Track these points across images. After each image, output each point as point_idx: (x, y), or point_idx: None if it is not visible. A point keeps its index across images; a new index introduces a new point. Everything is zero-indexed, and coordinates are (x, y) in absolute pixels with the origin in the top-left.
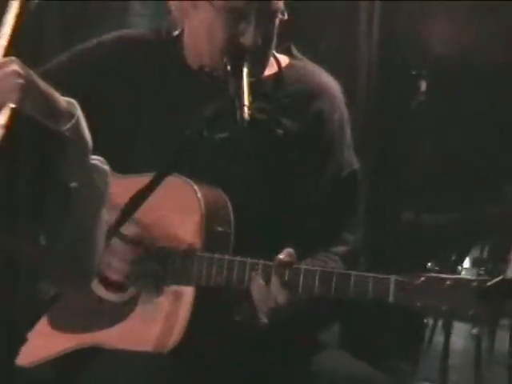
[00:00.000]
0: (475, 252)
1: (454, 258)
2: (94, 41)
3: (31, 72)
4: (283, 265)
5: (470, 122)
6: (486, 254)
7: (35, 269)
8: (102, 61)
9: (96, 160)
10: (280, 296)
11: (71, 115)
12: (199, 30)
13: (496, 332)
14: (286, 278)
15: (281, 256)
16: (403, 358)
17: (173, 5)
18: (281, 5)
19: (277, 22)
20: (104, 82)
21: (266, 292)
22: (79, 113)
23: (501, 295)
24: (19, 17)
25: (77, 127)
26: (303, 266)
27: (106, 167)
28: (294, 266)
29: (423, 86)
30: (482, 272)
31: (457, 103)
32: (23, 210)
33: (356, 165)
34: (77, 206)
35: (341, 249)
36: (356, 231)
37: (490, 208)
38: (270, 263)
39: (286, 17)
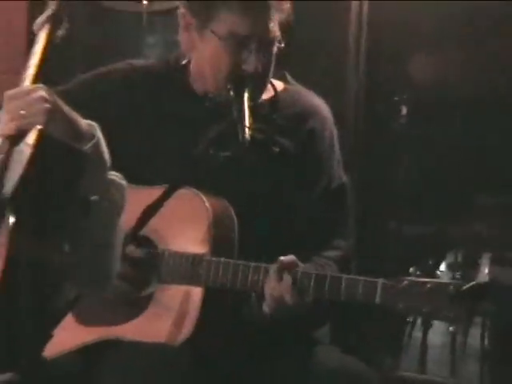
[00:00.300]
0: (451, 258)
1: (432, 264)
2: (109, 67)
3: (57, 98)
4: (287, 267)
5: (445, 142)
6: (460, 260)
7: (61, 272)
8: (115, 86)
9: (114, 175)
10: (288, 296)
11: (92, 136)
12: (205, 60)
13: (469, 329)
14: (299, 279)
15: (283, 258)
16: (386, 352)
17: (182, 38)
18: (278, 34)
19: (275, 49)
20: (117, 106)
21: (278, 289)
22: (99, 134)
23: (474, 298)
24: (46, 48)
25: (97, 147)
26: (300, 270)
27: (123, 182)
28: (297, 269)
29: (404, 110)
30: (458, 276)
31: (432, 126)
32: (50, 221)
33: (344, 178)
34: (96, 216)
35: (334, 253)
36: (347, 238)
37: (462, 219)
38: (270, 266)
39: (282, 44)
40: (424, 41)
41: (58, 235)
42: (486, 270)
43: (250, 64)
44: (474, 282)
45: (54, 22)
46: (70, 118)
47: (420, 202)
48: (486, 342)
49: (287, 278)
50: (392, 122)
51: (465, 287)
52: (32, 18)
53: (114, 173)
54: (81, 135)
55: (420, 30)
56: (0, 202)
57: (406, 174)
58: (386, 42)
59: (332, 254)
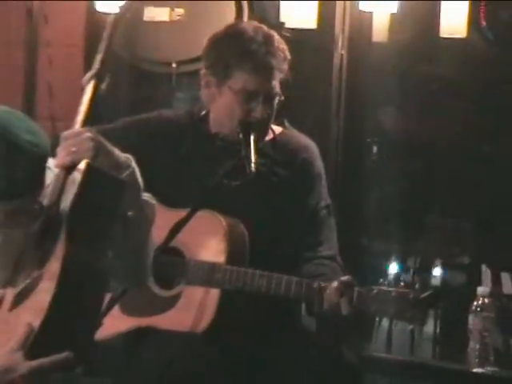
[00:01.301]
0: (410, 264)
1: (396, 272)
2: (145, 115)
3: (101, 137)
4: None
5: (408, 176)
6: (417, 266)
7: (106, 273)
8: (148, 129)
9: (146, 196)
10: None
11: (128, 166)
12: (222, 109)
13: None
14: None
15: (344, 279)
16: (361, 337)
17: (203, 93)
18: (279, 89)
19: (276, 101)
20: (150, 145)
21: (336, 303)
22: (134, 164)
23: (429, 304)
24: (92, 98)
25: (133, 174)
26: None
27: (154, 202)
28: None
29: (375, 149)
30: (416, 280)
31: (398, 162)
32: (97, 233)
33: (329, 200)
34: (132, 229)
35: (330, 252)
36: (335, 241)
37: (420, 234)
38: (273, 274)
39: (282, 98)
40: (391, 94)
41: (103, 244)
42: (438, 274)
43: (257, 113)
44: (430, 292)
45: (98, 77)
46: (112, 153)
47: (386, 222)
48: (438, 329)
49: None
50: (365, 158)
51: (423, 295)
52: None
53: (146, 194)
54: (120, 165)
55: (388, 86)
56: (59, 219)
57: (375, 199)
58: (362, 93)
59: (326, 253)
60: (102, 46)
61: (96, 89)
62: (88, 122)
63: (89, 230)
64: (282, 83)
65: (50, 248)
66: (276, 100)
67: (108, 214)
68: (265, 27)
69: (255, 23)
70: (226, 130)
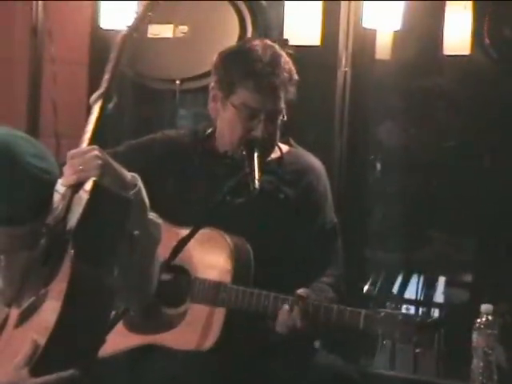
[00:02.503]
0: (414, 282)
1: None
2: (150, 136)
3: (107, 155)
4: (301, 299)
5: (411, 193)
6: (421, 284)
7: (112, 291)
8: (154, 150)
9: (152, 216)
10: (299, 322)
11: (134, 185)
12: (225, 125)
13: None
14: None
15: (300, 291)
16: (365, 355)
17: (210, 107)
18: (282, 109)
19: (279, 121)
20: (156, 166)
21: (288, 317)
22: (140, 183)
23: (435, 329)
24: (99, 117)
25: (139, 193)
26: (311, 302)
27: (159, 221)
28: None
29: (378, 166)
30: (424, 310)
31: (401, 179)
32: (103, 251)
33: (335, 220)
34: (138, 248)
35: (330, 280)
36: (340, 267)
37: (422, 250)
38: (279, 295)
39: (285, 118)
40: (395, 111)
41: (109, 263)
42: (442, 291)
43: (258, 131)
44: (436, 318)
45: (105, 97)
46: (118, 171)
47: (389, 239)
48: (441, 346)
49: (297, 309)
50: (368, 176)
51: (429, 320)
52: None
53: (152, 213)
54: (126, 184)
55: (392, 103)
56: (65, 237)
57: (379, 217)
58: (365, 110)
59: (328, 280)
60: (110, 66)
61: (103, 108)
62: (94, 141)
63: (95, 249)
64: (288, 104)
65: (56, 266)
66: (279, 120)
67: (114, 233)
68: (276, 47)
69: (268, 42)
70: (229, 147)
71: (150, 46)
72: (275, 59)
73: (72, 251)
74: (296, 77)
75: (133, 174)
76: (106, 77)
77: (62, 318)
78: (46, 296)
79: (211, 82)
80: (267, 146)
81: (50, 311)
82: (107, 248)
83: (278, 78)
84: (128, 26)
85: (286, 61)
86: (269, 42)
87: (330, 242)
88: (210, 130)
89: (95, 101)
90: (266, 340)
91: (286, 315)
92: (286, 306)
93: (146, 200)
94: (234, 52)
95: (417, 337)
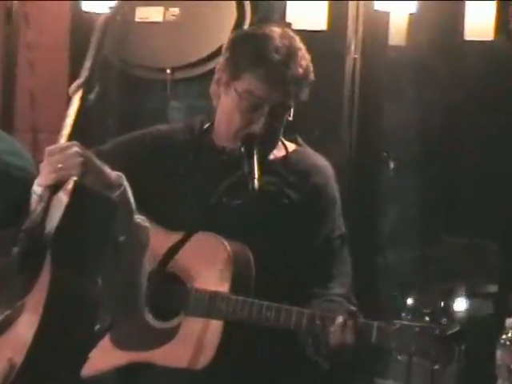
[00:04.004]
0: (430, 293)
1: (414, 305)
2: (141, 131)
3: (89, 152)
4: (351, 315)
5: (428, 194)
6: (438, 294)
7: (96, 303)
8: (144, 148)
9: (139, 219)
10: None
11: (119, 185)
12: (223, 114)
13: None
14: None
15: (349, 309)
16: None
17: (211, 89)
18: (291, 106)
19: (285, 118)
20: (146, 165)
21: (341, 335)
22: (125, 183)
23: (456, 341)
24: (80, 110)
25: (124, 194)
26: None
27: (147, 224)
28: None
29: (392, 165)
30: (443, 321)
31: (418, 179)
32: (86, 260)
33: (343, 228)
34: (125, 255)
35: (340, 290)
36: (348, 275)
37: (440, 257)
38: (282, 306)
39: (290, 118)
40: (410, 103)
41: (92, 272)
42: (462, 303)
43: (259, 125)
44: (457, 328)
45: (87, 87)
46: (101, 170)
47: (405, 245)
48: (462, 364)
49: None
50: (381, 175)
51: (449, 332)
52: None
53: (139, 216)
54: (110, 184)
55: (407, 94)
56: (42, 244)
57: (392, 220)
58: (377, 102)
59: (338, 291)
60: (91, 52)
61: (84, 99)
62: (75, 136)
63: (77, 257)
64: (298, 105)
65: (33, 276)
66: (284, 117)
67: (98, 238)
68: (296, 39)
69: (288, 31)
70: (226, 142)
71: (138, 30)
72: (292, 51)
73: (51, 260)
74: (312, 77)
75: (117, 172)
76: (87, 64)
77: (40, 333)
78: (23, 309)
79: (219, 62)
80: (267, 144)
81: (26, 326)
82: (90, 255)
83: (290, 71)
84: (111, 8)
85: (305, 57)
86: (290, 32)
87: (336, 253)
88: (207, 125)
89: (75, 91)
90: (268, 357)
91: (340, 330)
92: (340, 319)
93: (132, 201)
94: (248, 35)
95: (435, 351)
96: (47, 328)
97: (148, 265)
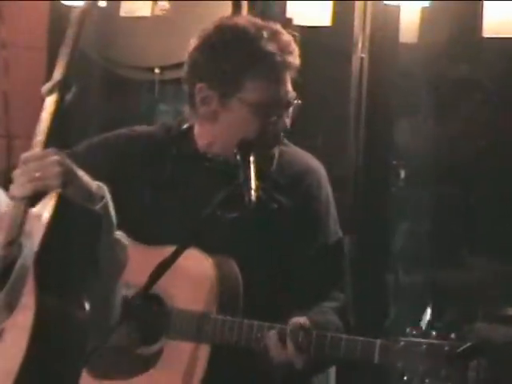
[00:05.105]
0: (448, 315)
1: (428, 322)
2: (114, 132)
3: (69, 161)
4: (300, 328)
5: (442, 207)
6: (455, 317)
7: (84, 325)
8: (118, 150)
9: (119, 235)
10: (296, 359)
11: (102, 197)
12: (232, 128)
13: None
14: (300, 341)
15: (295, 320)
16: None
17: (200, 111)
18: (294, 93)
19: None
20: (121, 170)
21: (283, 352)
22: (107, 195)
23: (468, 359)
24: (54, 113)
25: (106, 207)
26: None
27: (127, 242)
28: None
29: (402, 174)
30: (453, 336)
31: (430, 190)
32: (72, 278)
33: (340, 233)
34: (100, 275)
35: (333, 304)
36: (344, 290)
37: (454, 276)
38: (274, 325)
39: (299, 102)
40: (423, 106)
41: (78, 291)
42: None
43: (280, 125)
44: (469, 344)
45: (62, 87)
46: (82, 181)
47: (415, 262)
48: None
49: (290, 343)
50: (390, 186)
51: (460, 349)
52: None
53: (119, 232)
54: (92, 196)
55: (419, 96)
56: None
57: (403, 235)
58: (386, 106)
59: (331, 304)
60: (66, 49)
61: (59, 102)
62: (50, 142)
63: (62, 277)
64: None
65: (9, 297)
66: (292, 108)
67: (84, 256)
68: (259, 20)
69: (248, 17)
70: (219, 149)
71: (123, 26)
72: (276, 35)
73: (35, 280)
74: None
75: (99, 183)
76: (61, 63)
77: (27, 361)
78: (3, 332)
79: (192, 80)
80: (268, 149)
81: (11, 350)
82: (76, 274)
83: (289, 56)
84: (84, 2)
85: (284, 33)
86: (249, 16)
87: (333, 259)
88: (185, 126)
89: (48, 93)
90: (259, 381)
91: (277, 348)
92: (275, 336)
93: (114, 215)
94: (223, 37)
95: (446, 371)
96: (35, 355)
97: (127, 286)
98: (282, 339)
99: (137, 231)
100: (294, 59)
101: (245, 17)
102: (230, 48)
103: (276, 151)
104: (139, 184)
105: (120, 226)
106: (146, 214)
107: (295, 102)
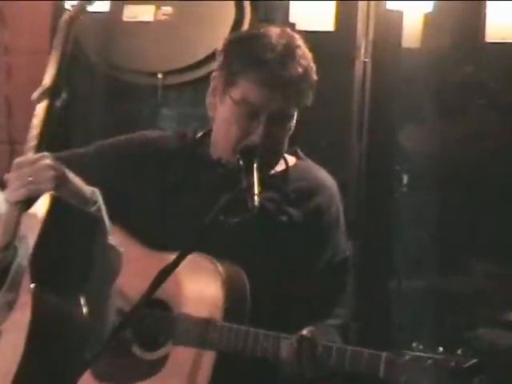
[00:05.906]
0: (453, 332)
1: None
2: (126, 136)
3: (62, 166)
4: (306, 339)
5: (446, 212)
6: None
7: (82, 326)
8: (129, 154)
9: (113, 241)
10: (303, 369)
11: (94, 201)
12: (220, 124)
13: None
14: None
15: (304, 332)
16: None
17: (208, 101)
18: (293, 113)
19: (288, 127)
20: (130, 173)
21: (291, 362)
22: (100, 200)
23: (474, 374)
24: (45, 119)
25: (99, 211)
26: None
27: (121, 249)
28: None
29: (405, 179)
30: (459, 352)
31: (434, 196)
32: (68, 278)
33: (348, 252)
34: (93, 279)
35: (336, 322)
36: (346, 306)
37: (459, 282)
38: (280, 334)
39: (293, 126)
40: (426, 111)
41: (75, 291)
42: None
43: (258, 135)
44: (475, 360)
45: (51, 94)
46: (75, 185)
47: (420, 269)
48: None
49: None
50: (394, 191)
51: (466, 365)
52: None
53: (113, 239)
54: (85, 200)
55: (422, 101)
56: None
57: (406, 242)
58: (389, 111)
59: (335, 322)
60: (54, 55)
61: (49, 108)
62: (42, 148)
63: (59, 277)
64: (300, 110)
65: (7, 297)
66: (287, 126)
67: (79, 257)
68: (295, 37)
69: (287, 30)
70: (223, 154)
71: (126, 31)
72: (290, 50)
73: (32, 280)
74: (315, 77)
75: (91, 187)
76: (51, 69)
77: (25, 361)
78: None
79: (215, 70)
80: (269, 156)
81: (8, 350)
82: (72, 275)
83: (288, 73)
84: (73, 6)
85: (305, 56)
86: (289, 30)
87: (338, 277)
88: (201, 133)
89: (39, 99)
90: None
91: (287, 358)
92: (293, 344)
93: (107, 220)
94: (242, 37)
95: None
96: (33, 355)
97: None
98: (289, 349)
99: (143, 235)
100: (299, 81)
101: (281, 29)
102: (236, 50)
103: (279, 158)
104: (147, 188)
105: (126, 229)
106: (153, 218)
107: (288, 122)
